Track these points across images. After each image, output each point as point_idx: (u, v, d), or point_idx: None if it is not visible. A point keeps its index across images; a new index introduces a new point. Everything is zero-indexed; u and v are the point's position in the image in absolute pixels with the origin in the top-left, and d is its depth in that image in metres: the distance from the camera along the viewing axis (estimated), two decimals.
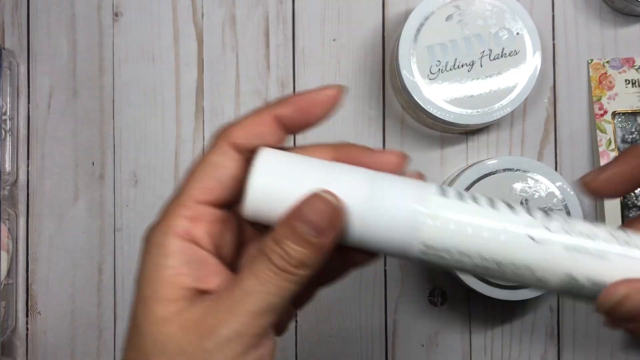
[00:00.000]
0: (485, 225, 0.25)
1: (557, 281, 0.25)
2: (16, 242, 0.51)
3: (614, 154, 0.50)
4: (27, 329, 0.51)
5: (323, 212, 0.25)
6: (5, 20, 0.52)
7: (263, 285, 0.25)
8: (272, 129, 0.27)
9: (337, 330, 0.51)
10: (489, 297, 0.47)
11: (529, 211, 0.26)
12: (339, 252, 0.28)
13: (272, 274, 0.25)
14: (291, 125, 0.27)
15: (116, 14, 0.52)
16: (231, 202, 0.28)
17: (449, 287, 0.51)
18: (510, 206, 0.26)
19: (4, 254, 0.49)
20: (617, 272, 0.25)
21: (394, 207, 0.25)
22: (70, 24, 0.52)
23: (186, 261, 0.26)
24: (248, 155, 0.27)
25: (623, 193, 0.29)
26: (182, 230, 0.27)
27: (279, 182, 0.26)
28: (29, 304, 0.51)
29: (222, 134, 0.27)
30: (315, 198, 0.25)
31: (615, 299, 0.25)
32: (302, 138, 0.51)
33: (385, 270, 0.51)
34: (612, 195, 0.29)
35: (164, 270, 0.26)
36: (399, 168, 0.27)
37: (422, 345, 0.51)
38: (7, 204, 0.50)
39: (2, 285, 0.49)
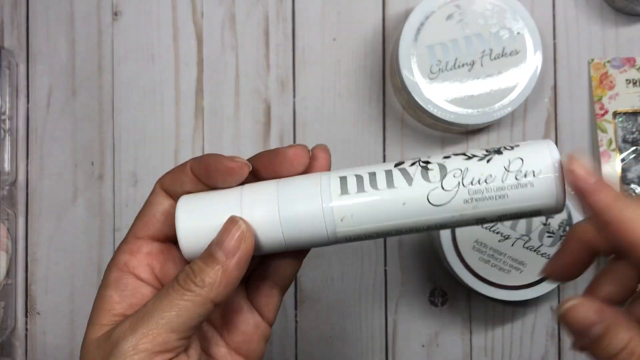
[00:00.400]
0: (390, 209, 0.28)
1: (470, 223, 0.28)
2: (15, 242, 0.51)
3: (614, 154, 0.50)
4: (27, 329, 0.51)
5: (232, 235, 0.28)
6: (5, 19, 0.52)
7: (163, 304, 0.28)
8: (190, 178, 0.30)
9: (337, 330, 0.51)
10: (490, 298, 0.47)
11: (426, 175, 0.28)
12: (276, 258, 0.31)
13: (174, 292, 0.28)
14: (201, 180, 0.30)
15: (115, 13, 0.52)
16: (169, 235, 0.31)
17: (450, 288, 0.51)
18: (407, 177, 0.28)
19: (3, 254, 0.49)
20: (517, 204, 0.27)
21: (305, 210, 0.28)
22: (69, 23, 0.52)
23: (120, 290, 0.30)
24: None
25: (580, 274, 0.31)
26: (122, 263, 0.31)
27: (200, 221, 0.29)
28: (28, 304, 0.51)
29: (158, 180, 0.32)
30: (229, 222, 0.28)
31: (562, 309, 0.27)
32: (302, 138, 0.51)
33: (385, 271, 0.51)
34: (573, 278, 0.31)
35: (102, 299, 0.30)
36: (304, 160, 0.30)
37: (423, 346, 0.51)
38: (6, 203, 0.50)
39: (2, 285, 0.49)
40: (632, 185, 0.50)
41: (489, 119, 0.47)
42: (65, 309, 0.51)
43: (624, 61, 0.51)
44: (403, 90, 0.48)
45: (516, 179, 0.27)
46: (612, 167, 0.50)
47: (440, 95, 0.47)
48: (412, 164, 0.28)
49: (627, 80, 0.51)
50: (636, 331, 0.26)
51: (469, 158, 0.28)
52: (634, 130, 0.50)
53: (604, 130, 0.50)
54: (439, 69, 0.47)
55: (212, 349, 0.32)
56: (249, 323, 0.32)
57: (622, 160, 0.50)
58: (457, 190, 0.27)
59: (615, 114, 0.50)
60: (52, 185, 0.51)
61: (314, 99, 0.51)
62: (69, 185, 0.51)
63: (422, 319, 0.51)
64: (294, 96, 0.51)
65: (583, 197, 0.26)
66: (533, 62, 0.47)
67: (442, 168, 0.28)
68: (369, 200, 0.28)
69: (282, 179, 0.29)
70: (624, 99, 0.50)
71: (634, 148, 0.50)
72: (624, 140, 0.50)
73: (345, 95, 0.51)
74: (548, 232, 0.47)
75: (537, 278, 0.47)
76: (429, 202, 0.27)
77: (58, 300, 0.51)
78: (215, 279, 0.28)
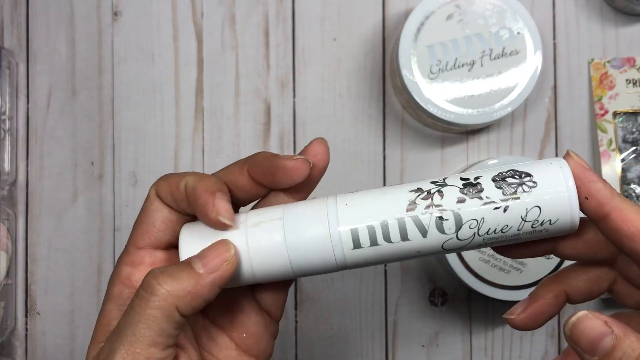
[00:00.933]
0: (402, 256, 0.28)
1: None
2: (15, 242, 0.51)
3: (614, 154, 0.50)
4: (27, 329, 0.51)
5: (218, 254, 0.27)
6: (5, 19, 0.52)
7: (131, 317, 0.26)
8: (182, 193, 0.29)
9: (337, 330, 0.51)
10: (490, 298, 0.47)
11: (441, 225, 0.27)
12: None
13: (139, 301, 0.27)
14: (262, 182, 0.29)
15: (115, 13, 0.52)
16: (171, 242, 0.30)
17: (450, 288, 0.51)
18: (421, 228, 0.27)
19: (3, 254, 0.49)
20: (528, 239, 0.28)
21: (311, 236, 0.28)
22: (69, 23, 0.52)
23: (119, 305, 0.29)
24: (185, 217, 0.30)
25: (543, 324, 0.31)
26: (124, 276, 0.29)
27: (202, 247, 0.28)
28: (28, 304, 0.51)
29: (152, 186, 0.30)
30: (219, 243, 0.28)
31: (568, 325, 0.26)
32: (302, 138, 0.51)
33: (385, 271, 0.51)
34: (534, 328, 0.31)
35: (102, 314, 0.29)
36: (304, 172, 0.29)
37: (423, 346, 0.51)
38: (6, 203, 0.50)
39: (1, 285, 0.49)
40: (632, 185, 0.50)
41: (489, 119, 0.47)
42: (65, 309, 0.51)
43: (624, 61, 0.51)
44: (403, 90, 0.48)
45: (532, 227, 0.27)
46: (612, 167, 0.50)
47: (440, 95, 0.47)
48: (426, 208, 0.27)
49: (627, 80, 0.51)
50: None
51: (486, 203, 0.27)
52: (634, 130, 0.50)
53: (604, 130, 0.50)
54: (439, 69, 0.47)
55: (221, 352, 0.31)
56: (259, 324, 0.31)
57: (622, 160, 0.50)
58: (472, 239, 0.27)
59: (615, 114, 0.50)
60: (52, 185, 0.51)
61: (314, 99, 0.51)
62: (69, 185, 0.51)
63: (422, 319, 0.51)
64: (294, 96, 0.51)
65: (586, 184, 0.26)
66: (533, 62, 0.47)
67: (458, 218, 0.27)
68: (383, 251, 0.28)
69: (288, 209, 0.29)
70: (624, 99, 0.50)
71: (634, 148, 0.50)
72: (624, 140, 0.50)
73: (345, 95, 0.51)
74: None
75: (537, 278, 0.47)
76: (443, 249, 0.27)
77: (58, 300, 0.51)
78: (185, 287, 0.26)
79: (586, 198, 0.26)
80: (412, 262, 0.51)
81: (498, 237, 0.27)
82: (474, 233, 0.27)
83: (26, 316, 0.51)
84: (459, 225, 0.27)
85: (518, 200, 0.27)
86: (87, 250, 0.51)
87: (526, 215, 0.27)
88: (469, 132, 0.51)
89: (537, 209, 0.27)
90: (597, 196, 0.26)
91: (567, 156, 0.27)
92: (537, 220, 0.27)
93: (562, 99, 0.51)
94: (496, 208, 0.27)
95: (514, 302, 0.50)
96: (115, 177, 0.51)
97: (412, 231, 0.27)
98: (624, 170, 0.50)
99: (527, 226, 0.27)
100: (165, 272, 0.27)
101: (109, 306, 0.29)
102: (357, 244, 0.28)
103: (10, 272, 0.50)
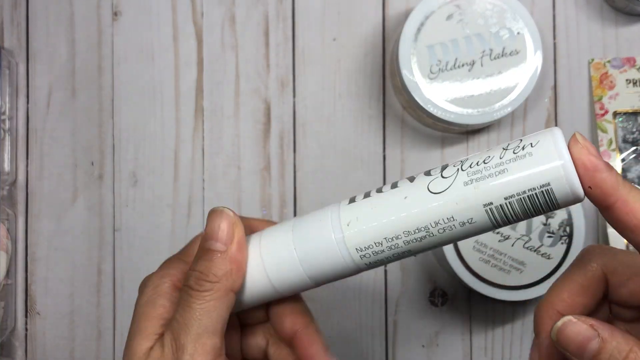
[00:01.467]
0: (392, 205, 0.27)
1: (482, 216, 0.26)
2: (15, 242, 0.51)
3: (614, 154, 0.50)
4: (26, 329, 0.51)
5: (223, 224, 0.29)
6: (4, 19, 0.52)
7: (190, 313, 0.28)
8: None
9: (337, 330, 0.51)
10: (490, 298, 0.47)
11: (427, 172, 0.27)
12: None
13: (193, 299, 0.28)
14: None
15: (115, 13, 0.52)
16: None
17: (450, 288, 0.51)
18: (410, 178, 0.27)
19: (3, 254, 0.49)
20: (520, 180, 0.25)
21: (319, 242, 0.28)
22: (69, 23, 0.52)
23: (174, 303, 0.29)
24: None
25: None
26: (176, 278, 0.30)
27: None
28: (28, 304, 0.51)
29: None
30: (214, 215, 0.29)
31: (554, 329, 0.26)
32: (302, 138, 0.51)
33: (385, 271, 0.51)
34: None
35: (153, 308, 0.29)
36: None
37: (423, 346, 0.51)
38: (6, 204, 0.50)
39: (1, 285, 0.49)
40: None
41: (489, 119, 0.47)
42: (65, 309, 0.51)
43: (624, 61, 0.51)
44: (403, 90, 0.48)
45: (514, 152, 0.25)
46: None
47: (440, 95, 0.47)
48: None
49: (627, 80, 0.51)
50: (634, 341, 0.25)
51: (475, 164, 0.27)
52: (634, 130, 0.50)
53: (604, 130, 0.50)
54: (439, 69, 0.47)
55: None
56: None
57: (622, 160, 0.50)
58: (456, 175, 0.26)
59: (615, 114, 0.50)
60: (52, 185, 0.51)
61: (314, 99, 0.51)
62: (69, 185, 0.51)
63: (422, 319, 0.51)
64: (294, 96, 0.51)
65: (590, 173, 0.25)
66: (533, 62, 0.47)
67: (443, 165, 0.27)
68: (374, 202, 0.28)
69: (296, 221, 0.30)
70: (624, 99, 0.50)
71: (634, 148, 0.50)
72: (624, 140, 0.50)
73: (345, 95, 0.51)
74: (548, 232, 0.47)
75: (537, 278, 0.47)
76: (429, 191, 0.26)
77: (58, 300, 0.51)
78: (226, 268, 0.28)
79: (590, 187, 0.25)
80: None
81: (482, 169, 0.26)
82: (457, 169, 0.26)
83: (26, 316, 0.51)
84: (444, 167, 0.27)
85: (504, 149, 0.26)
86: (87, 250, 0.51)
87: (507, 145, 0.26)
88: (469, 132, 0.51)
89: (518, 139, 0.26)
90: (602, 186, 0.25)
91: (572, 140, 0.26)
92: (519, 146, 0.26)
93: (562, 99, 0.51)
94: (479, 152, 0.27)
95: (514, 302, 0.50)
96: (115, 177, 0.51)
97: (402, 181, 0.28)
98: (624, 170, 0.50)
99: (509, 153, 0.25)
100: (202, 269, 0.28)
101: (161, 300, 0.30)
102: (352, 200, 0.28)
103: (10, 272, 0.50)
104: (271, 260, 0.29)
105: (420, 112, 0.48)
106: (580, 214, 0.47)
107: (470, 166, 0.26)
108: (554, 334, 0.26)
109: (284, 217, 0.51)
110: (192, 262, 0.29)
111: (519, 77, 0.47)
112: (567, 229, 0.47)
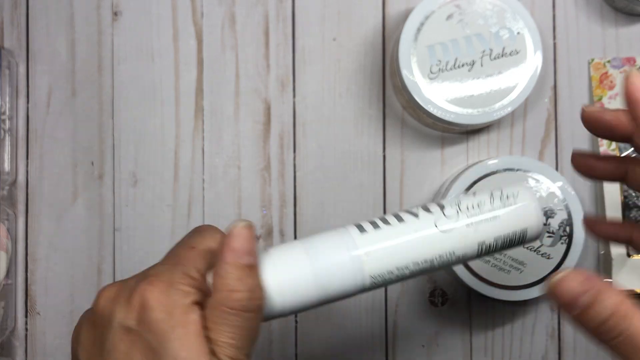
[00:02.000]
0: (404, 240, 0.31)
1: (474, 251, 0.32)
2: (15, 242, 0.51)
3: (614, 154, 0.50)
4: (26, 329, 0.51)
5: (244, 236, 0.29)
6: (4, 19, 0.52)
7: (225, 334, 0.28)
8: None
9: (337, 330, 0.51)
10: (490, 298, 0.47)
11: (427, 209, 0.32)
12: None
13: (227, 315, 0.28)
14: None
15: (115, 13, 0.52)
16: None
17: (450, 288, 0.51)
18: (413, 213, 0.32)
19: (3, 254, 0.49)
20: (508, 225, 0.32)
21: (336, 263, 0.31)
22: (69, 23, 0.52)
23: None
24: None
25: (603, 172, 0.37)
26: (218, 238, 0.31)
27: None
28: (28, 304, 0.51)
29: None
30: (235, 228, 0.29)
31: (550, 284, 0.28)
32: (302, 138, 0.51)
33: None
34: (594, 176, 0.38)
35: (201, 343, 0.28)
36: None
37: (423, 346, 0.51)
38: (6, 203, 0.50)
39: (1, 285, 0.49)
40: None
41: (489, 119, 0.47)
42: (65, 309, 0.51)
43: (624, 61, 0.51)
44: (403, 90, 0.48)
45: (500, 200, 0.32)
46: None
47: (440, 95, 0.47)
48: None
49: None
50: (623, 297, 0.26)
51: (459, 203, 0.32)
52: None
53: None
54: (439, 69, 0.47)
55: None
56: None
57: None
58: (458, 217, 0.31)
59: None
60: (52, 185, 0.51)
61: (314, 99, 0.51)
62: (68, 185, 0.51)
63: (422, 319, 0.51)
64: (294, 96, 0.51)
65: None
66: (533, 62, 0.47)
67: (439, 203, 0.32)
68: (388, 233, 0.31)
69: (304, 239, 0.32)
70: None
71: (633, 148, 0.50)
72: None
73: (345, 95, 0.51)
74: (548, 232, 0.47)
75: (537, 278, 0.47)
76: (437, 229, 0.31)
77: (58, 300, 0.51)
78: (250, 283, 0.29)
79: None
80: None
81: (478, 213, 0.32)
82: (457, 211, 0.32)
83: (26, 316, 0.51)
84: (441, 206, 0.32)
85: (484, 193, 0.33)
86: (87, 250, 0.51)
87: (492, 194, 0.32)
88: (469, 132, 0.51)
89: (499, 190, 0.33)
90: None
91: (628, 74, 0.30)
92: (502, 195, 0.32)
93: (562, 99, 0.51)
94: (467, 195, 0.33)
95: (514, 302, 0.50)
96: (115, 177, 0.51)
97: (405, 215, 0.32)
98: None
99: (497, 201, 0.32)
100: (240, 287, 0.28)
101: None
102: (362, 230, 0.31)
103: (10, 272, 0.50)
104: (287, 285, 0.30)
105: (420, 112, 0.48)
106: (580, 214, 0.47)
107: (467, 208, 0.32)
108: (549, 286, 0.28)
109: (284, 217, 0.51)
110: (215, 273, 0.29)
111: (519, 77, 0.47)
112: (567, 229, 0.47)
